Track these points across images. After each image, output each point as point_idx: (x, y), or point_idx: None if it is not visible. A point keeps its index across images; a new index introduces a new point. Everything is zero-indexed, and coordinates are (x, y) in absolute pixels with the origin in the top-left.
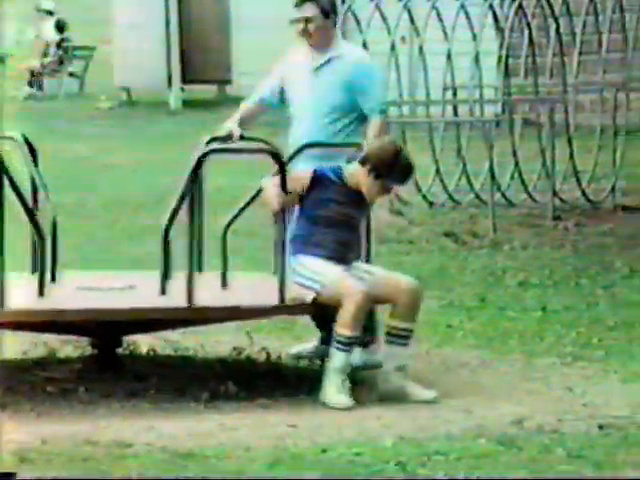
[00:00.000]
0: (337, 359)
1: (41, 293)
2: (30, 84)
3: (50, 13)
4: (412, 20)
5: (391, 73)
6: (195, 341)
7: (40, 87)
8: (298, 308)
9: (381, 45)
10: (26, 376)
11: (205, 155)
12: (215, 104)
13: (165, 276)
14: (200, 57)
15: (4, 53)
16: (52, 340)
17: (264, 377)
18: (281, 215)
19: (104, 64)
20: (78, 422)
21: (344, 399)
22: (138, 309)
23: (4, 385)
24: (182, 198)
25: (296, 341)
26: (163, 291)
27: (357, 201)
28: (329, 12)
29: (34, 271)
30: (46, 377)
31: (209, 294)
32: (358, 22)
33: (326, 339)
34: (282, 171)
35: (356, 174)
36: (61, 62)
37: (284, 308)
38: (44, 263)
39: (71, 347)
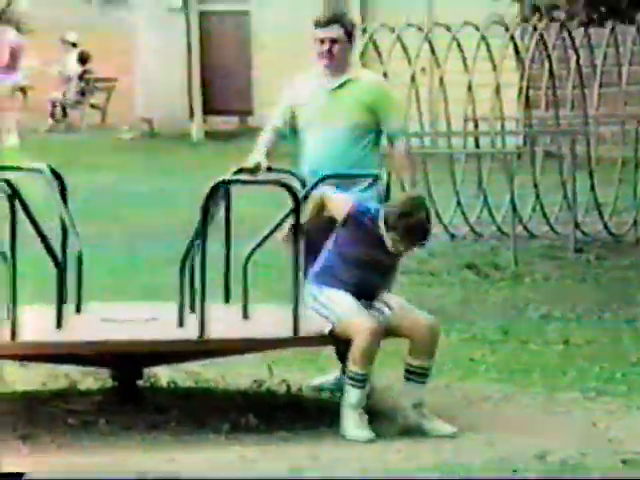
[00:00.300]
0: (351, 395)
1: (59, 325)
2: (52, 116)
3: (74, 45)
4: (433, 51)
5: (412, 104)
6: (216, 373)
7: (62, 119)
8: (315, 340)
9: (402, 76)
10: (47, 408)
11: (216, 187)
12: (236, 135)
13: (182, 307)
14: (222, 88)
15: (26, 84)
16: (72, 372)
17: (285, 409)
18: (295, 247)
19: (126, 95)
20: (99, 454)
21: (364, 433)
22: (153, 342)
23: (25, 417)
24: (198, 231)
25: (319, 373)
26: (181, 323)
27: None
28: (352, 34)
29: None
30: (67, 409)
31: (228, 326)
32: (379, 53)
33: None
34: (296, 205)
35: (382, 226)
36: (83, 94)
37: (300, 340)
38: (62, 294)
39: (91, 379)
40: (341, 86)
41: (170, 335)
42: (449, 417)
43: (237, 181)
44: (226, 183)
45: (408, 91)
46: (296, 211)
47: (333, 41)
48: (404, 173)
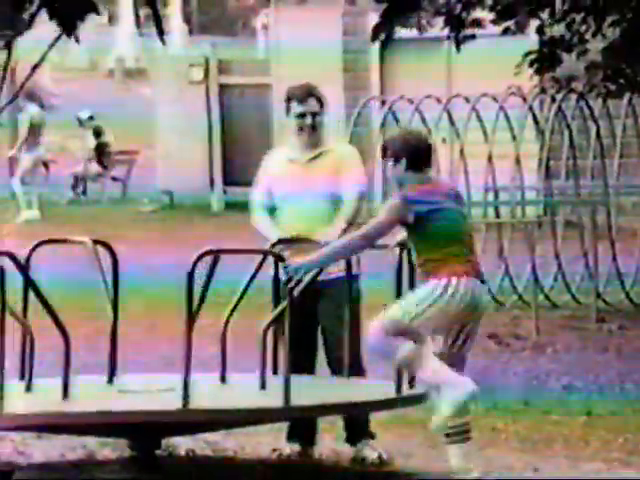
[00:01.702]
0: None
1: (65, 395)
2: (73, 188)
3: (91, 118)
4: (452, 122)
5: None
6: (235, 442)
7: (84, 192)
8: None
9: None
10: (66, 479)
11: (201, 256)
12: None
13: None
14: (242, 160)
15: (48, 159)
16: (90, 442)
17: (305, 478)
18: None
19: (147, 168)
20: None
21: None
22: (162, 412)
23: None
24: (201, 300)
25: (335, 441)
26: (185, 399)
27: None
28: (324, 106)
29: (111, 376)
30: (85, 479)
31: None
32: (398, 123)
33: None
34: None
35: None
36: (105, 167)
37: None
38: (68, 365)
39: (109, 449)
40: (316, 157)
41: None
42: None
43: (223, 251)
44: (212, 253)
45: None
46: (276, 279)
47: (314, 114)
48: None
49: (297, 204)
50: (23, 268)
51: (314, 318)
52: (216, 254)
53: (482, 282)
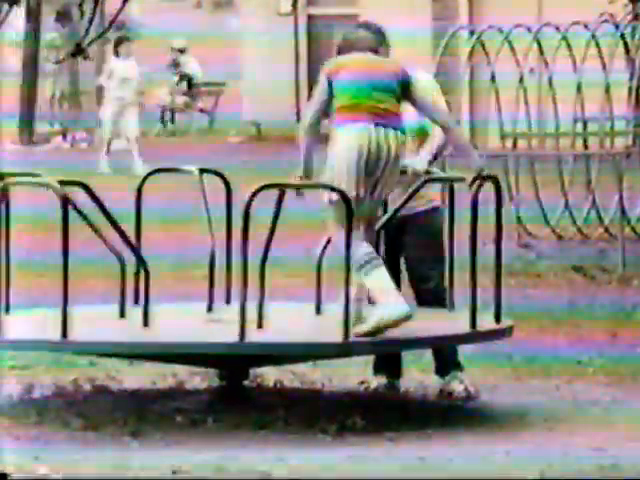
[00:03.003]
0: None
1: (145, 324)
2: (162, 120)
3: (182, 51)
4: (541, 51)
5: (520, 105)
6: (322, 374)
7: (172, 123)
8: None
9: (510, 77)
10: (155, 406)
11: (257, 191)
12: None
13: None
14: None
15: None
16: (180, 371)
17: (391, 410)
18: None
19: (234, 100)
20: (207, 452)
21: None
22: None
23: (134, 414)
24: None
25: (422, 374)
26: (260, 325)
27: None
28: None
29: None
30: (175, 407)
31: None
32: (487, 53)
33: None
34: (348, 205)
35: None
36: (191, 98)
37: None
38: (148, 294)
39: (198, 379)
40: None
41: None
42: (558, 419)
43: (279, 185)
44: (269, 187)
45: (516, 92)
46: (348, 209)
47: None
48: None
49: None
50: (97, 198)
51: (398, 251)
52: (275, 188)
53: (397, 130)
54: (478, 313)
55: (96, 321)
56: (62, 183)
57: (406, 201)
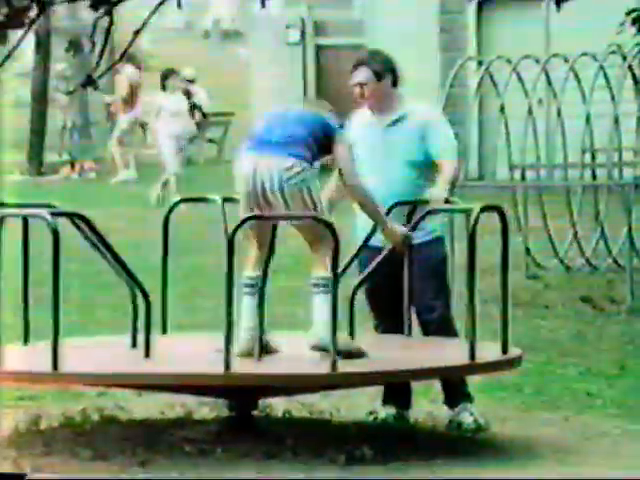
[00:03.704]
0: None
1: (147, 355)
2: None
3: (191, 82)
4: (550, 82)
5: (528, 136)
6: (330, 404)
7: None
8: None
9: (518, 108)
10: (164, 436)
11: (244, 221)
12: None
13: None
14: (337, 121)
15: (144, 120)
16: (188, 401)
17: (400, 441)
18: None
19: (243, 129)
20: None
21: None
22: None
23: (144, 443)
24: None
25: (432, 405)
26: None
27: None
28: (381, 75)
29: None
30: (184, 437)
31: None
32: (495, 85)
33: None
34: (335, 240)
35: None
36: (198, 128)
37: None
38: (149, 324)
39: (207, 409)
40: (395, 122)
41: (292, 369)
42: (567, 451)
43: (267, 217)
44: (259, 218)
45: (525, 123)
46: (335, 244)
47: (361, 84)
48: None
49: (378, 170)
50: (94, 229)
51: (400, 281)
52: (264, 219)
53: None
54: (484, 344)
55: (96, 351)
56: (61, 215)
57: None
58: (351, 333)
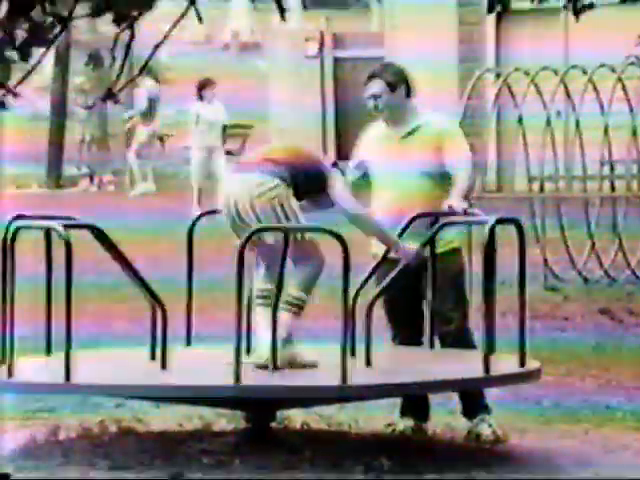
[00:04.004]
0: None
1: (163, 366)
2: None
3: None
4: (568, 94)
5: (547, 148)
6: (348, 416)
7: None
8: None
9: (536, 120)
10: (182, 448)
11: (250, 236)
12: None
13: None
14: (355, 134)
15: (164, 133)
16: (206, 413)
17: (418, 452)
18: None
19: (261, 141)
20: None
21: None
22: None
23: (162, 455)
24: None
25: (450, 416)
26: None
27: None
28: (395, 86)
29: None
30: (202, 449)
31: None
32: (513, 96)
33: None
34: (345, 252)
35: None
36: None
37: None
38: (165, 335)
39: (224, 421)
40: (411, 132)
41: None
42: (587, 464)
43: (272, 228)
44: (260, 231)
45: (543, 134)
46: (345, 257)
47: (375, 96)
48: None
49: (394, 182)
50: (107, 240)
51: (418, 293)
52: (270, 231)
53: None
54: (502, 356)
55: (113, 362)
56: (74, 227)
57: (426, 243)
58: (368, 344)
